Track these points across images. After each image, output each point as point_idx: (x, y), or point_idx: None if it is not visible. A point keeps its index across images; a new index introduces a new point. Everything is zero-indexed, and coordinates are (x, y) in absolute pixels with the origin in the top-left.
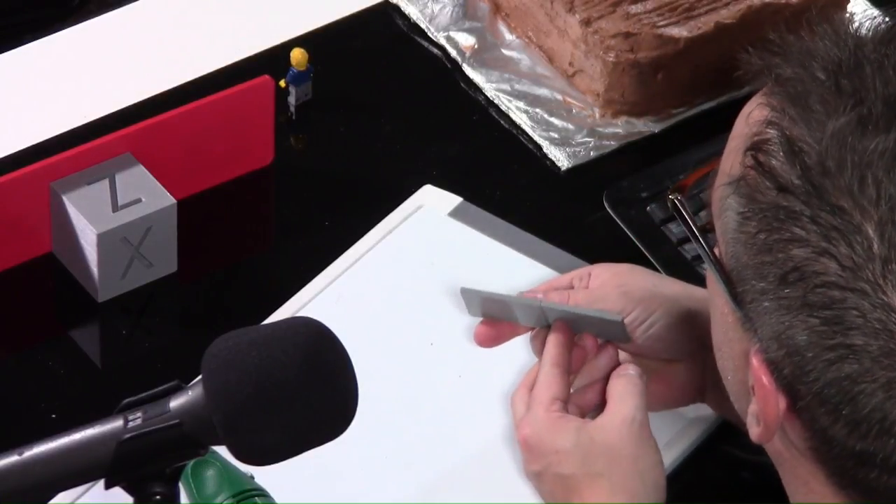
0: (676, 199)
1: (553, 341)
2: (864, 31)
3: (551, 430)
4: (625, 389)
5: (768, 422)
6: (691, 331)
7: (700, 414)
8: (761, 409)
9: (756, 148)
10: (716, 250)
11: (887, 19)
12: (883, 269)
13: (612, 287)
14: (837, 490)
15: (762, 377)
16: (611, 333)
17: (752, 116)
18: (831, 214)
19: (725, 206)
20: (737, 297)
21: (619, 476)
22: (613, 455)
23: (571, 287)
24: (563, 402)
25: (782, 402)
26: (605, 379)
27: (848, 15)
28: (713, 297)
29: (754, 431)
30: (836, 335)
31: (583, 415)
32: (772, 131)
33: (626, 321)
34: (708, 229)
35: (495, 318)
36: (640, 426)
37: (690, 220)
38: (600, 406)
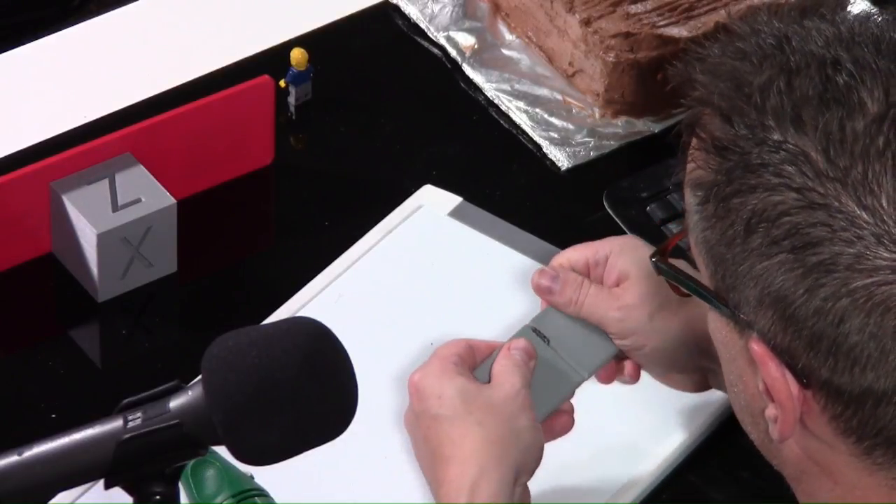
0: (659, 260)
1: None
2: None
3: (440, 377)
4: (509, 368)
5: (786, 410)
6: (686, 354)
7: (699, 412)
8: (777, 400)
9: (695, 124)
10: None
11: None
12: (836, 184)
13: (614, 308)
14: (864, 458)
15: (768, 363)
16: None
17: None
18: (775, 151)
19: (691, 214)
20: (720, 296)
21: (494, 429)
22: (494, 410)
23: (587, 268)
24: (461, 362)
25: (794, 386)
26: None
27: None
28: (712, 330)
29: (776, 430)
30: (808, 257)
31: None
32: (706, 108)
33: (619, 344)
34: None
35: None
36: (524, 400)
37: (668, 266)
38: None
